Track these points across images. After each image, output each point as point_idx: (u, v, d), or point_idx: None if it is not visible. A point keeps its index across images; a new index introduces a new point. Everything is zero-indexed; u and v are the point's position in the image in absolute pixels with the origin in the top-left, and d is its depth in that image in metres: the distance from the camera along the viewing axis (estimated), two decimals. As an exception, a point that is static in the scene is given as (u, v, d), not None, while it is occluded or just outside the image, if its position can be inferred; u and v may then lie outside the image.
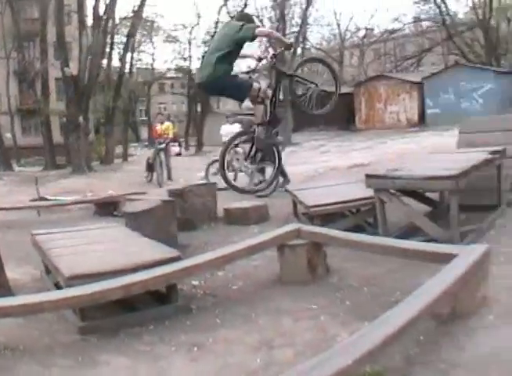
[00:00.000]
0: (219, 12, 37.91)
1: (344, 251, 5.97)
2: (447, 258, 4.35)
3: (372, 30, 53.43)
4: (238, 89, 7.01)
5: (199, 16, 43.79)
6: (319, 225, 6.73)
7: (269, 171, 8.08)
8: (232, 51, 6.66)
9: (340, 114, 34.55)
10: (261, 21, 38.08)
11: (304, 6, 38.60)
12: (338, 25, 50.23)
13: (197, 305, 5.16)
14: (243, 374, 3.65)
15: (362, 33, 52.62)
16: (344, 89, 37.35)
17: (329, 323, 4.41)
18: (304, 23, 39.05)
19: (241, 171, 7.72)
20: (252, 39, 6.70)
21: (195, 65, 44.50)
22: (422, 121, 31.79)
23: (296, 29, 39.52)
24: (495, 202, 7.55)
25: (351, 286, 5.34)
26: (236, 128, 16.17)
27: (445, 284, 3.76)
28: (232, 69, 6.85)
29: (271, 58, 7.26)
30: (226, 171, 7.21)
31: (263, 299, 5.15)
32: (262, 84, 7.09)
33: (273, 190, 10.23)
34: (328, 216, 7.51)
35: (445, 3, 43.43)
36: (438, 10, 43.96)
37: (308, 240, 5.62)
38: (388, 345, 3.12)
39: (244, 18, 7.15)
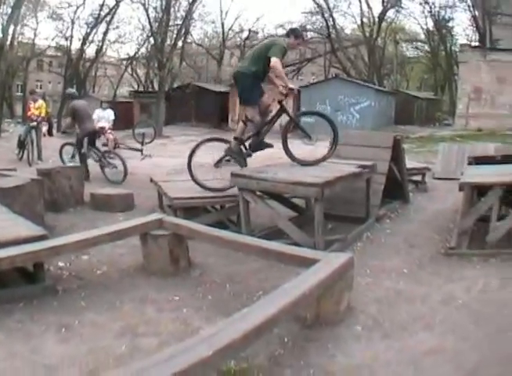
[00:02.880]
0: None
1: (208, 246, 6.07)
2: (309, 262, 4.48)
3: (256, 32, 53.68)
4: (248, 92, 7.69)
5: (85, -3, 42.08)
6: (181, 218, 6.78)
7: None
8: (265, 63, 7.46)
9: (214, 112, 34.77)
10: (146, 10, 37.64)
11: (190, 0, 38.54)
12: (222, 24, 50.42)
13: (63, 286, 5.19)
14: (111, 359, 3.69)
15: (245, 34, 52.93)
16: (220, 88, 37.52)
17: (192, 316, 4.52)
18: (187, 17, 38.80)
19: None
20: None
21: (75, 45, 43.26)
22: (295, 129, 32.23)
23: (180, 22, 39.33)
24: (364, 215, 7.86)
25: (213, 281, 5.45)
26: (109, 113, 15.91)
27: (304, 287, 3.87)
28: (259, 76, 7.63)
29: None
30: (193, 171, 7.64)
31: (127, 287, 5.24)
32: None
33: None
34: (192, 210, 7.59)
35: (332, 17, 44.66)
36: (325, 23, 45.03)
37: (171, 231, 5.69)
38: (248, 341, 3.19)
39: (291, 33, 8.13)
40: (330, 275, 4.20)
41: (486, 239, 6.44)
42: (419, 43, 56.21)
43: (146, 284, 5.29)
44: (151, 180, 9.01)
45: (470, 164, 8.74)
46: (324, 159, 7.87)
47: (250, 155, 7.84)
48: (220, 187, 7.56)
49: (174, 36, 37.94)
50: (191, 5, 38.05)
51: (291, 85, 7.73)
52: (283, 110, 7.89)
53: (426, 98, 44.53)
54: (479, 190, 7.09)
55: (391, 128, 32.34)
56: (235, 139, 7.74)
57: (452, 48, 49.25)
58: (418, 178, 11.25)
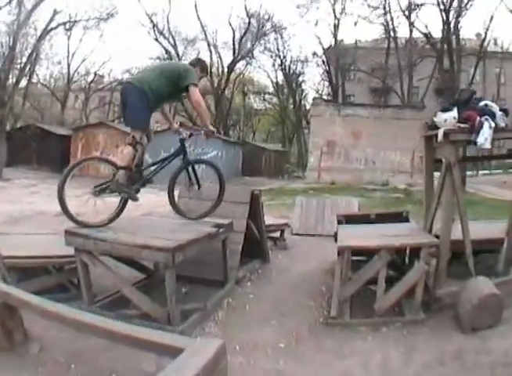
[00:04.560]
0: None
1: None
2: (169, 350, 3.71)
3: (102, 76, 53.46)
4: (136, 112, 6.45)
5: None
6: (15, 280, 5.93)
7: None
8: (172, 89, 6.59)
9: (56, 156, 33.21)
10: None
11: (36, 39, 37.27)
12: (68, 65, 49.18)
13: None
14: None
15: (91, 77, 52.09)
16: (63, 131, 36.11)
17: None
18: (32, 55, 37.46)
19: None
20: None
21: None
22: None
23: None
24: (222, 278, 7.10)
25: (56, 361, 4.71)
26: None
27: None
28: (157, 99, 6.55)
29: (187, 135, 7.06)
30: (66, 204, 5.95)
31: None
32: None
33: None
34: (28, 269, 6.46)
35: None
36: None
37: (0, 300, 4.81)
38: None
39: (197, 63, 7.12)
40: (201, 372, 3.34)
41: (374, 307, 6.02)
42: (267, 95, 57.69)
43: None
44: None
45: (340, 222, 8.29)
46: (210, 213, 7.24)
47: (138, 190, 6.60)
48: (97, 222, 6.26)
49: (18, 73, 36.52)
50: (37, 43, 36.74)
51: (212, 127, 6.87)
52: (183, 150, 7.00)
53: (274, 150, 45.67)
54: (354, 252, 6.62)
55: (239, 179, 32.55)
56: (122, 168, 6.32)
57: (302, 101, 51.21)
58: (276, 234, 10.65)
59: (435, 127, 6.40)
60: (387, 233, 6.81)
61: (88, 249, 5.80)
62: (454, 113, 6.18)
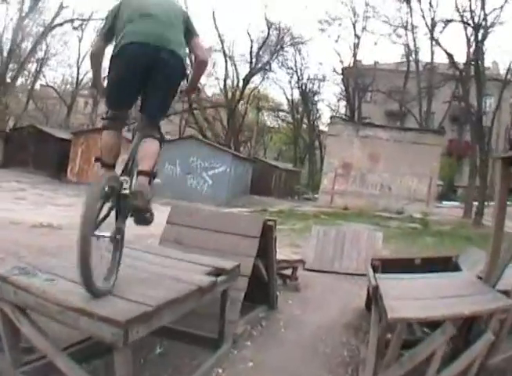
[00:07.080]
0: None
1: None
2: None
3: (112, 81, 52.53)
4: (171, 97, 4.41)
5: None
6: None
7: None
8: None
9: (54, 160, 31.65)
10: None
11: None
12: (78, 68, 48.03)
13: None
14: None
15: (101, 82, 51.14)
16: (64, 135, 34.42)
17: None
18: (32, 52, 36.44)
19: None
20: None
21: None
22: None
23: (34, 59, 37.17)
24: (216, 335, 5.07)
25: None
26: None
27: None
28: None
29: None
30: None
31: None
32: None
33: None
34: None
35: (193, 75, 44.13)
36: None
37: None
38: None
39: None
40: None
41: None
42: (281, 113, 56.73)
43: None
44: None
45: (375, 269, 6.30)
46: None
47: None
48: None
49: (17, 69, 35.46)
50: (39, 39, 35.64)
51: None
52: None
53: (286, 169, 44.30)
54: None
55: (247, 198, 30.94)
56: (147, 174, 4.05)
57: (316, 122, 50.43)
58: (287, 271, 8.68)
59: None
60: (445, 293, 4.83)
61: (8, 298, 3.71)
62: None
